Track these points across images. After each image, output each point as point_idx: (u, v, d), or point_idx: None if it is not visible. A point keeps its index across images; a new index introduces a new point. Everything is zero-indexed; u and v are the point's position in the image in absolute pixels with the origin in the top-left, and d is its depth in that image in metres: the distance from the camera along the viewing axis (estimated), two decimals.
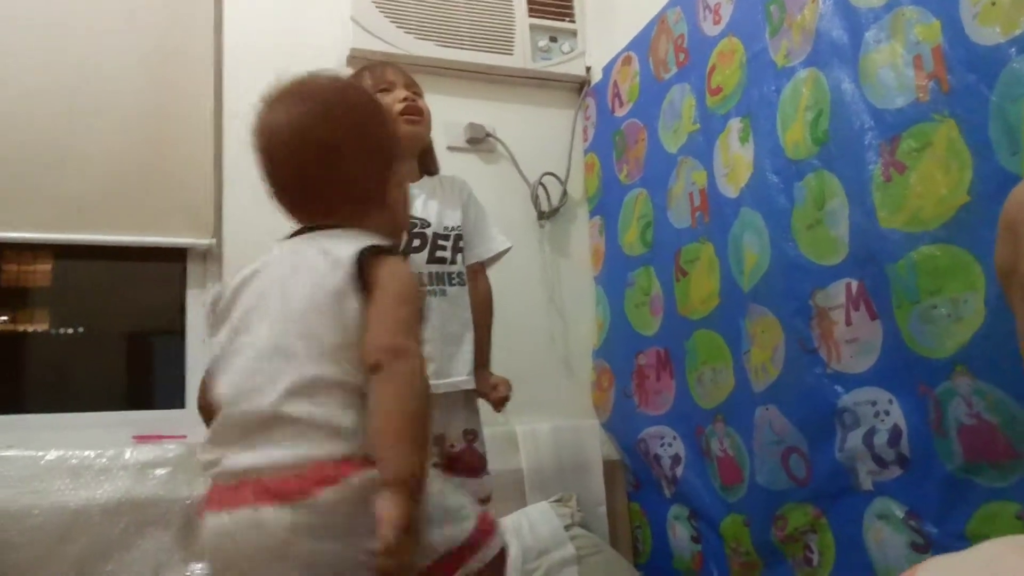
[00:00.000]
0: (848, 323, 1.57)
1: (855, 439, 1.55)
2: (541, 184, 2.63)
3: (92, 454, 1.90)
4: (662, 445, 2.18)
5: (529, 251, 2.61)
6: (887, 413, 1.48)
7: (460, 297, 1.77)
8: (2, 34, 2.18)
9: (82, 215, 2.19)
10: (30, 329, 2.32)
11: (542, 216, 2.63)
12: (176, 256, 2.34)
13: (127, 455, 1.91)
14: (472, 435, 1.74)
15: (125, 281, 2.44)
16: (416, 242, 1.74)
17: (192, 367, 2.27)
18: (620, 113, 2.49)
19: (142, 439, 2.02)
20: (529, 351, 2.47)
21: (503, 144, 2.62)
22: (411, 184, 1.59)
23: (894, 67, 1.48)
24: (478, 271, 1.86)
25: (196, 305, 2.32)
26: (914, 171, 1.43)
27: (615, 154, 2.50)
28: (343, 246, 1.07)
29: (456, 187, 1.87)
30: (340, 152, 1.13)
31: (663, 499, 2.20)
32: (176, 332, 2.32)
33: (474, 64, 2.59)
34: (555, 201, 2.64)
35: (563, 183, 2.66)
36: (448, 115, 2.48)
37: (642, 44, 2.39)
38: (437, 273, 1.74)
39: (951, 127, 1.37)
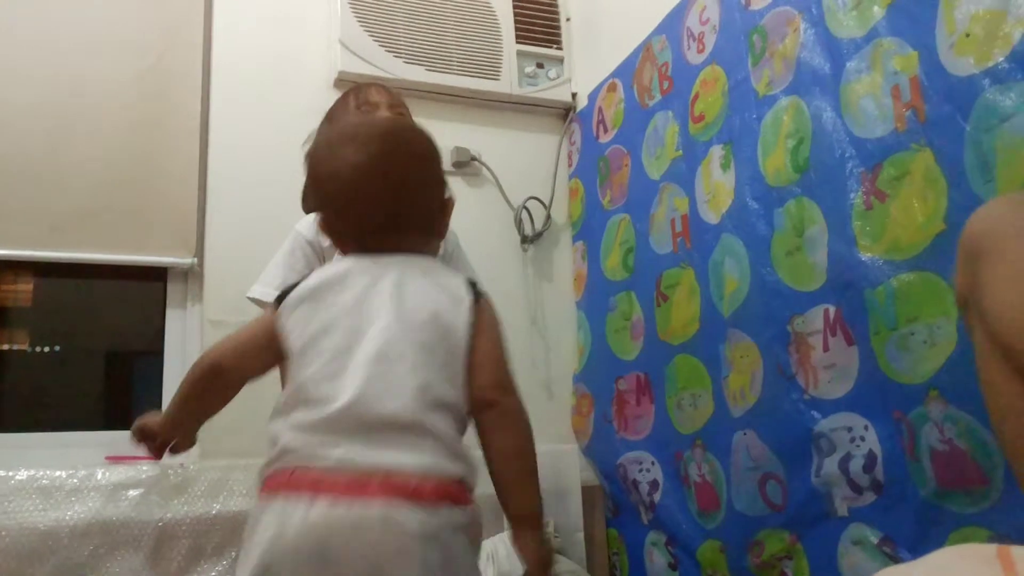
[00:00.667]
0: (825, 349, 1.57)
1: (831, 465, 1.54)
2: (525, 208, 2.64)
3: (63, 474, 1.87)
4: (640, 471, 2.16)
5: (512, 275, 2.61)
6: (862, 439, 1.48)
7: None
8: None
9: (63, 233, 2.17)
10: (8, 347, 2.29)
11: (525, 240, 2.63)
12: (157, 275, 2.32)
13: (99, 476, 1.88)
14: None
15: (105, 300, 2.42)
16: None
17: (169, 387, 2.25)
18: (604, 139, 2.50)
19: (115, 459, 2.00)
20: None
21: (488, 168, 2.63)
22: None
23: (874, 96, 1.50)
24: None
25: (176, 325, 2.31)
26: (894, 200, 1.44)
27: (599, 179, 2.51)
28: (447, 277, 1.21)
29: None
30: (422, 189, 1.24)
31: (641, 525, 2.18)
32: (155, 352, 2.29)
33: (461, 89, 2.60)
34: (539, 225, 2.65)
35: (547, 208, 2.66)
36: (434, 139, 2.48)
37: (627, 71, 2.40)
38: None
39: (928, 156, 1.38)
